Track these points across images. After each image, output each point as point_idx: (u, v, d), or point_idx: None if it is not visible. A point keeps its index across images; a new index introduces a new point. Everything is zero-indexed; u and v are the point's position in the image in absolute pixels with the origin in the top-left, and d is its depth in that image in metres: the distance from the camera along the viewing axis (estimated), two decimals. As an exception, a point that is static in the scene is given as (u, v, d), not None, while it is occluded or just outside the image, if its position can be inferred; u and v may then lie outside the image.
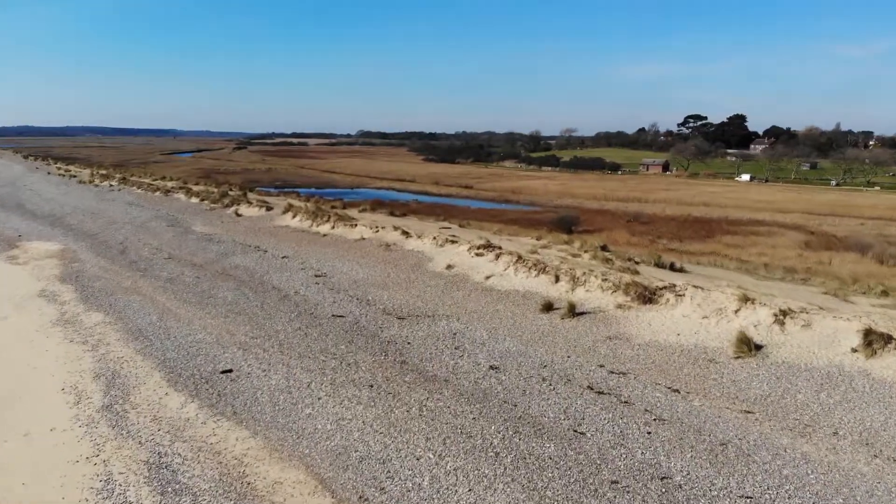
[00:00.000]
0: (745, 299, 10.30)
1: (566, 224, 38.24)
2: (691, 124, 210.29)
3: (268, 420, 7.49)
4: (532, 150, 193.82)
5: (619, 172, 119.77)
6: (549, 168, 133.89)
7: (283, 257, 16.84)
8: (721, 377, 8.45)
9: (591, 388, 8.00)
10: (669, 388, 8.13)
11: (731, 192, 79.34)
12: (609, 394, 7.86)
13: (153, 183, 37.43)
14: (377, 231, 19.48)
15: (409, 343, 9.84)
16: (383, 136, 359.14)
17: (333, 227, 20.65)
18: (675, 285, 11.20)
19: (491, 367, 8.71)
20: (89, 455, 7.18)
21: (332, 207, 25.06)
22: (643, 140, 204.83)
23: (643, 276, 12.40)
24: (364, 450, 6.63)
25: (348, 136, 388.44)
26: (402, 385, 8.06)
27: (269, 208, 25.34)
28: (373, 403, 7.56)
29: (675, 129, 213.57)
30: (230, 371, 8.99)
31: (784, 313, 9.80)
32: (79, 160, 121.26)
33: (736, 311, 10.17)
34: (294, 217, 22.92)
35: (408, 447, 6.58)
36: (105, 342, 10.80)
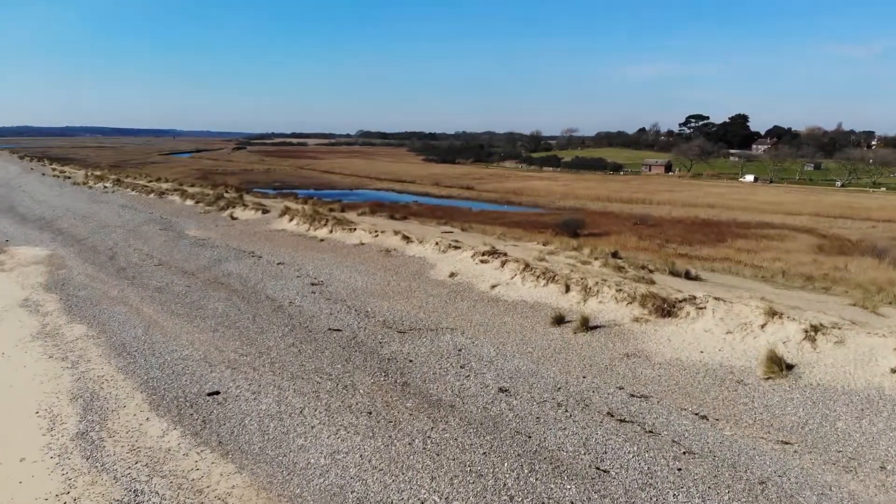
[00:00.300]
0: (772, 313, 9.62)
1: (571, 227, 37.07)
2: (693, 124, 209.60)
3: (256, 452, 6.82)
4: (533, 150, 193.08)
5: (622, 173, 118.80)
6: (551, 168, 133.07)
7: (278, 264, 16.17)
8: (752, 401, 7.77)
9: (612, 415, 7.32)
10: (697, 414, 7.45)
11: (736, 193, 77.83)
12: (632, 422, 7.18)
13: (148, 185, 36.77)
14: (377, 236, 18.82)
15: (410, 361, 9.16)
16: (383, 136, 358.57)
17: (331, 232, 19.98)
18: (695, 297, 10.53)
19: (500, 390, 8.03)
20: (59, 492, 6.51)
21: (331, 210, 24.39)
22: (644, 140, 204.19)
23: (659, 286, 11.73)
24: (362, 490, 5.95)
25: (348, 136, 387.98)
26: (403, 412, 7.38)
27: (265, 211, 24.68)
28: (371, 434, 6.88)
29: (675, 128, 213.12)
30: (217, 393, 8.31)
31: (815, 329, 9.13)
32: (76, 161, 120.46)
33: (762, 326, 9.49)
34: (291, 221, 22.26)
35: (410, 488, 5.90)
36: (86, 358, 10.14)
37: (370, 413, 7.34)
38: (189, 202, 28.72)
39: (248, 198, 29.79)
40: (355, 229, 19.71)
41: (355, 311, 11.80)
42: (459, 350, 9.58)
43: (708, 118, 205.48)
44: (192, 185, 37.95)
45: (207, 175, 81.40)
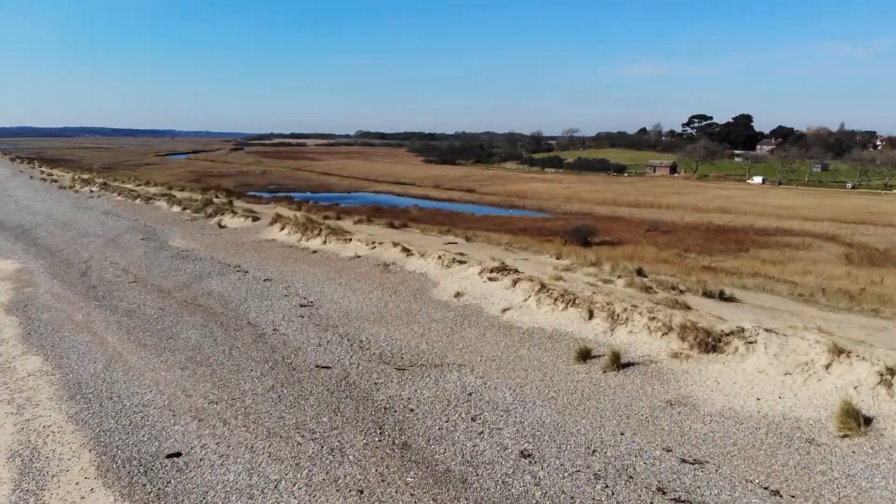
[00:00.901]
0: (837, 350, 8.22)
1: (582, 235, 34.47)
2: (696, 124, 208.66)
3: (216, 546, 5.41)
4: (534, 150, 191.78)
5: (626, 174, 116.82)
6: (553, 170, 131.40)
7: (265, 280, 14.79)
8: (830, 469, 6.37)
9: (664, 492, 5.92)
10: (766, 488, 6.05)
11: (747, 196, 74.56)
12: (689, 502, 5.78)
13: (135, 189, 35.38)
14: (374, 247, 17.44)
15: (411, 410, 7.77)
16: (382, 136, 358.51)
17: (325, 242, 18.59)
18: (742, 329, 9.12)
19: (522, 454, 6.63)
20: None
21: (325, 217, 23.02)
22: (647, 141, 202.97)
23: (695, 311, 10.36)
24: None
25: (347, 136, 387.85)
26: (403, 490, 5.97)
27: (255, 219, 23.30)
28: (363, 524, 5.48)
29: (677, 129, 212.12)
30: (178, 455, 6.91)
31: (891, 371, 7.73)
32: (70, 162, 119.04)
33: (827, 367, 8.09)
34: (282, 230, 20.87)
35: None
36: (34, 401, 8.75)
37: (361, 492, 5.93)
38: (176, 208, 27.32)
39: (238, 203, 28.41)
40: (351, 240, 18.33)
41: (348, 340, 10.40)
42: (469, 394, 8.18)
43: (711, 118, 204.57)
44: (183, 189, 36.56)
45: (201, 177, 79.55)
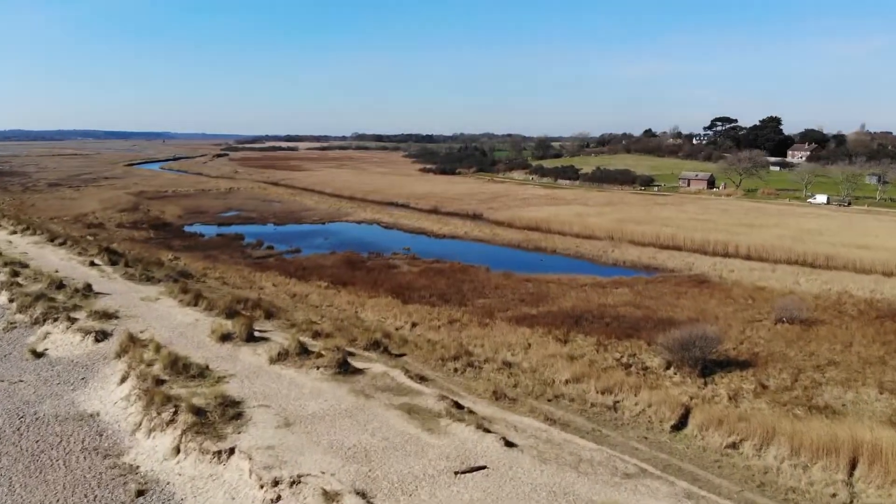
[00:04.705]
0: None
1: (694, 353, 18.65)
2: (719, 128, 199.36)
3: None
4: (541, 156, 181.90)
5: (656, 188, 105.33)
6: (568, 181, 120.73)
7: None
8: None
9: None
10: None
11: (837, 230, 52.42)
12: None
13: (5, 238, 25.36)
14: (275, 485, 7.57)
15: None
16: (378, 138, 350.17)
17: (177, 452, 8.69)
18: None
19: None
20: None
21: (224, 338, 13.06)
22: (668, 146, 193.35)
23: None
24: None
25: (343, 138, 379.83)
26: None
27: (100, 337, 13.36)
28: None
29: (684, 129, 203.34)
30: None
31: None
32: (17, 177, 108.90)
33: None
34: (122, 382, 11.00)
35: None
36: None
37: None
38: (3, 296, 17.35)
39: (106, 287, 18.39)
40: (232, 451, 8.43)
41: None
42: None
43: (736, 121, 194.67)
44: (68, 240, 26.51)
45: (143, 202, 66.12)
